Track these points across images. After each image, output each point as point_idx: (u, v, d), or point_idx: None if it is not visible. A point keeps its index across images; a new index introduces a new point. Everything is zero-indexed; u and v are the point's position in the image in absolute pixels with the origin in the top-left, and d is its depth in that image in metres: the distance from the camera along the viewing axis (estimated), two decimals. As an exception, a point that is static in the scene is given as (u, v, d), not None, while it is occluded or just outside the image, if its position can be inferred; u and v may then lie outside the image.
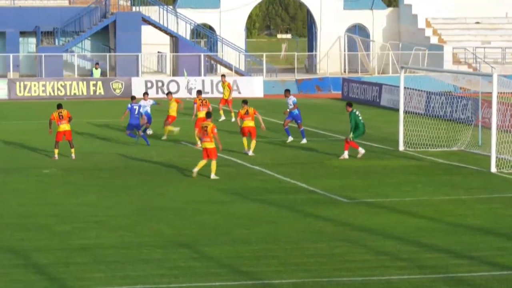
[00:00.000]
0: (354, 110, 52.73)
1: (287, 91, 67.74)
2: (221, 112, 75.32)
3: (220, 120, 73.27)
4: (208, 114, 47.90)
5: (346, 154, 52.16)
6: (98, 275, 28.21)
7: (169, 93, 69.24)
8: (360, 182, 42.50)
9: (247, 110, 49.81)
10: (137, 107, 52.98)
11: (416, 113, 63.99)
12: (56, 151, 49.52)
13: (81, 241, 33.71)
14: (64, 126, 50.03)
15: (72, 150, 52.37)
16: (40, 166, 50.26)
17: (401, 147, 53.62)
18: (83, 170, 48.96)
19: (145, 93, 53.62)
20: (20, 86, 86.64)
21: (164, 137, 58.55)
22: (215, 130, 44.21)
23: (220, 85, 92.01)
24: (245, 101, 52.88)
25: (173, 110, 58.49)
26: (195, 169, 45.18)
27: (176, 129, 60.22)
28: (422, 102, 69.45)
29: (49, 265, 29.44)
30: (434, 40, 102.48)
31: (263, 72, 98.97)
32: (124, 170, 48.23)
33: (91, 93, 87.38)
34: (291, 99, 63.78)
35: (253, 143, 49.19)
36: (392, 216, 37.35)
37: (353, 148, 52.26)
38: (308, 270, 28.51)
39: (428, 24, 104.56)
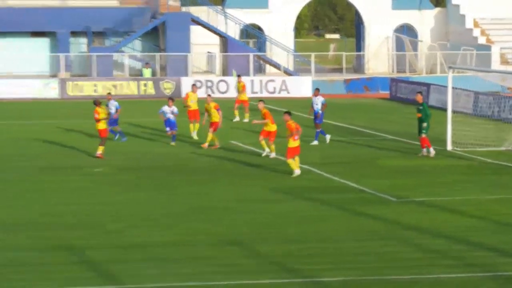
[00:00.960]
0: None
1: (317, 90, 67.36)
2: (236, 112, 74.35)
3: (234, 120, 73.07)
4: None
5: (428, 151, 52.26)
6: (151, 272, 28.47)
7: (209, 95, 68.58)
8: (409, 181, 42.55)
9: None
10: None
11: (464, 113, 64.05)
12: (101, 149, 50.44)
13: (134, 238, 34.04)
14: (103, 124, 50.09)
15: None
16: (91, 165, 50.36)
17: (449, 147, 53.47)
18: (134, 169, 49.22)
19: (170, 99, 52.20)
20: (71, 85, 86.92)
21: (205, 145, 56.95)
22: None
23: (266, 84, 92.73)
24: (262, 100, 52.03)
25: (215, 117, 56.48)
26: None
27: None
28: (470, 102, 69.25)
29: (103, 262, 29.67)
30: (482, 40, 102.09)
31: (311, 72, 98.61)
32: (174, 169, 48.23)
33: (142, 92, 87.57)
34: (320, 99, 63.41)
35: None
36: (441, 215, 37.35)
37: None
38: (357, 268, 28.60)
39: (476, 24, 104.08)
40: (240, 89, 77.81)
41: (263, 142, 47.20)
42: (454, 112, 57.32)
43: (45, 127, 62.05)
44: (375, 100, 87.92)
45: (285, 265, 29.79)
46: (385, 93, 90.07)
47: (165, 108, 52.97)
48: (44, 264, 30.03)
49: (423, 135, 49.86)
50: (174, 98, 62.70)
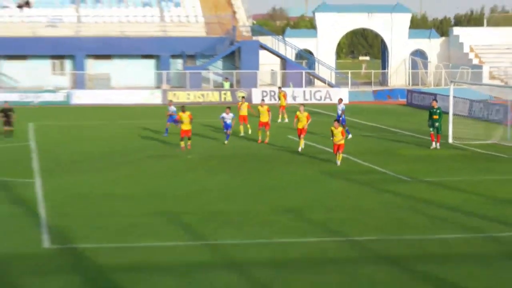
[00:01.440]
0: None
1: (340, 99, 66.91)
2: (283, 116, 72.74)
3: (279, 121, 71.15)
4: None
5: (436, 145, 52.40)
6: (227, 231, 29.80)
7: (262, 100, 69.91)
8: (420, 166, 42.71)
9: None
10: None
11: (461, 116, 64.17)
12: (182, 143, 50.38)
13: (218, 207, 35.05)
14: (186, 126, 49.92)
15: (189, 142, 52.39)
16: (184, 154, 50.66)
17: (451, 140, 53.61)
18: (215, 157, 49.83)
19: (228, 107, 51.67)
20: (171, 94, 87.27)
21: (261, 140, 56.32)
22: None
23: (317, 94, 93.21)
24: (302, 104, 51.25)
25: (264, 117, 55.58)
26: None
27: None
28: (466, 107, 69.43)
29: (193, 224, 31.33)
30: (475, 61, 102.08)
31: (348, 84, 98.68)
32: (245, 158, 48.81)
33: (222, 100, 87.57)
34: (341, 106, 62.00)
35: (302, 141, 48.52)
36: (443, 191, 37.95)
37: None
38: (381, 230, 29.64)
39: (471, 49, 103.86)
40: (281, 97, 76.83)
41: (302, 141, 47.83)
42: (454, 115, 57.36)
43: (151, 125, 62.16)
44: (396, 106, 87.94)
45: (327, 228, 30.48)
46: (403, 100, 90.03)
47: (224, 115, 52.59)
48: (151, 225, 31.28)
49: (438, 133, 49.89)
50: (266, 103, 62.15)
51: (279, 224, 31.22)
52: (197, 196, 37.59)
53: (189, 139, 51.61)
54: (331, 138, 44.16)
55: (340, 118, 57.58)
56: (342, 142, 40.99)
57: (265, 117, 54.89)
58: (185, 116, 50.65)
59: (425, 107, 73.82)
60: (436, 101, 52.93)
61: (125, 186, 40.00)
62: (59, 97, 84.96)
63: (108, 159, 47.69)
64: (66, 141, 55.50)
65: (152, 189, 39.07)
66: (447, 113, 53.10)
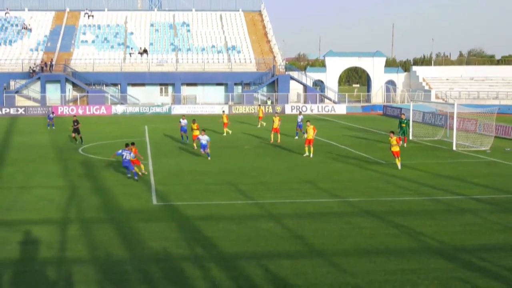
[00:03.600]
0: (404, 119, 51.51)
1: (300, 112, 68.03)
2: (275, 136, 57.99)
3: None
4: None
5: (403, 144, 49.57)
6: (268, 194, 30.25)
7: (276, 112, 68.73)
8: (391, 154, 42.09)
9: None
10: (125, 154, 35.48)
11: (418, 122, 63.80)
12: (194, 144, 45.96)
13: (263, 179, 35.34)
14: (195, 132, 46.44)
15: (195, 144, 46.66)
16: (242, 145, 50.45)
17: (411, 137, 53.34)
18: (262, 148, 49.41)
19: (202, 130, 44.24)
20: (234, 107, 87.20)
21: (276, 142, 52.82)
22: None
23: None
24: (308, 120, 46.90)
25: (275, 124, 52.21)
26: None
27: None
28: (420, 116, 68.82)
29: (245, 191, 30.98)
30: (426, 87, 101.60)
31: (345, 102, 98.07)
32: (278, 149, 48.33)
33: (266, 111, 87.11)
34: (301, 117, 58.37)
35: (311, 149, 44.23)
36: (406, 169, 37.60)
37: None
38: (366, 194, 29.12)
39: (424, 80, 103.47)
40: (275, 120, 70.64)
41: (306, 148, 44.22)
42: (413, 121, 57.12)
43: (220, 128, 61.25)
44: (376, 115, 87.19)
45: (332, 193, 30.21)
46: (380, 112, 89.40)
47: (200, 136, 42.45)
48: (220, 190, 31.61)
49: (403, 136, 49.32)
50: (278, 114, 60.92)
51: (300, 190, 31.29)
52: (250, 171, 37.38)
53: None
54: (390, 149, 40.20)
55: (301, 124, 56.52)
56: (397, 149, 38.43)
57: (276, 124, 52.15)
58: (195, 126, 47.55)
59: (395, 116, 73.62)
60: (404, 114, 52.51)
61: (204, 165, 39.89)
62: (164, 109, 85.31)
63: (193, 149, 47.43)
64: (167, 137, 55.57)
65: (221, 167, 38.96)
66: (408, 119, 52.98)
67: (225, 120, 59.15)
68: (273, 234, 22.49)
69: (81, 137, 51.42)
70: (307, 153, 43.59)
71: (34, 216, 25.63)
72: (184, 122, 51.76)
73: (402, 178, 34.72)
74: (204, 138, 41.68)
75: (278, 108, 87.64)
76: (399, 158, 38.14)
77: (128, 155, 34.43)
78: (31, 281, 17.72)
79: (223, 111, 63.13)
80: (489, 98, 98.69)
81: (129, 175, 35.04)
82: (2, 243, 21.32)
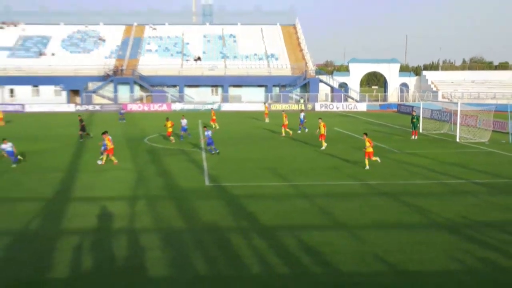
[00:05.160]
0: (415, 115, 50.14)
1: (302, 110, 67.11)
2: (286, 130, 54.64)
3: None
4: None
5: (415, 137, 48.63)
6: (301, 178, 30.25)
7: (283, 111, 65.74)
8: (404, 144, 41.53)
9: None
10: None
11: (427, 118, 62.92)
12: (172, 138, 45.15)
13: (295, 165, 34.99)
14: (169, 130, 45.07)
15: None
16: (277, 137, 50.14)
17: (421, 131, 52.41)
18: (291, 140, 48.58)
19: (204, 126, 43.46)
20: (272, 105, 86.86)
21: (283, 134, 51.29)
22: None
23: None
24: (320, 118, 45.28)
25: (285, 121, 50.86)
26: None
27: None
28: (429, 113, 67.77)
29: (284, 173, 30.93)
30: (434, 89, 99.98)
31: (366, 101, 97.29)
32: (303, 141, 47.46)
33: (299, 108, 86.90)
34: (303, 114, 55.78)
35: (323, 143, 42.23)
36: (416, 157, 37.16)
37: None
38: (383, 178, 29.10)
39: (432, 82, 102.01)
40: (283, 118, 62.66)
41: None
42: (423, 117, 56.36)
43: (262, 123, 60.97)
44: (391, 113, 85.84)
45: (354, 176, 30.14)
46: (395, 109, 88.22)
47: (207, 133, 39.21)
48: (262, 174, 31.69)
49: (414, 130, 48.63)
50: (305, 110, 60.41)
51: (328, 174, 30.98)
52: (286, 159, 36.78)
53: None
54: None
55: (304, 122, 54.72)
56: (371, 149, 33.79)
57: (285, 121, 50.65)
58: (169, 124, 45.37)
59: (408, 113, 72.77)
60: (415, 111, 51.84)
61: (248, 153, 39.89)
62: (215, 107, 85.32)
63: (240, 140, 47.52)
64: (217, 130, 55.46)
65: (262, 155, 38.77)
66: (419, 116, 52.29)
67: (213, 116, 58.65)
68: (305, 210, 22.60)
69: (87, 134, 48.94)
70: (323, 147, 41.86)
71: (109, 194, 26.09)
72: (184, 121, 47.81)
73: (413, 164, 34.21)
74: (209, 134, 39.72)
75: (310, 106, 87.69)
76: (369, 160, 33.88)
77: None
78: (107, 246, 18.21)
79: (212, 108, 59.60)
80: (488, 98, 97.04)
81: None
82: (84, 215, 21.95)
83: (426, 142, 46.99)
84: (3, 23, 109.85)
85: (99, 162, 34.64)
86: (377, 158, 34.02)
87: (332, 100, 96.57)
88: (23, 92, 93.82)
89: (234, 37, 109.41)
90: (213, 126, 57.74)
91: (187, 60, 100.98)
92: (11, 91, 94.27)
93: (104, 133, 35.46)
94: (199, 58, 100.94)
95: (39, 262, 16.66)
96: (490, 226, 20.35)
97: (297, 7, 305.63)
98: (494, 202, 24.21)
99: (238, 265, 16.41)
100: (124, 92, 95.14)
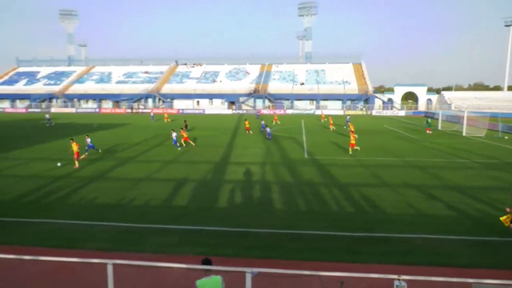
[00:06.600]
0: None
1: (348, 114, 61.26)
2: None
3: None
4: None
5: (429, 133, 44.54)
6: (361, 154, 28.11)
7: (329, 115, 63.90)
8: (423, 135, 38.74)
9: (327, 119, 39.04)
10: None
11: (443, 120, 58.83)
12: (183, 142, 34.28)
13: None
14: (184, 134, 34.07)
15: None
16: (345, 131, 48.19)
17: (439, 128, 48.90)
18: (347, 133, 46.62)
19: (266, 125, 39.28)
20: (345, 112, 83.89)
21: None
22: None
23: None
24: (352, 131, 35.78)
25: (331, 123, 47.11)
26: None
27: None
28: (445, 117, 62.97)
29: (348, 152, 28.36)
30: (449, 102, 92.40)
31: (404, 109, 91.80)
32: (345, 134, 45.22)
33: (365, 113, 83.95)
34: (348, 117, 50.43)
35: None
36: (437, 145, 34.50)
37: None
38: (413, 156, 27.13)
39: (448, 98, 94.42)
40: (329, 120, 53.35)
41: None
42: (441, 120, 52.76)
43: (337, 122, 58.41)
44: (420, 117, 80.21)
45: (395, 154, 28.66)
46: (423, 115, 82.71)
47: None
48: (337, 151, 29.50)
49: (429, 127, 45.37)
50: (351, 115, 57.12)
51: (377, 153, 29.41)
52: (349, 144, 35.44)
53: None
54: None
55: (349, 122, 48.80)
56: (353, 142, 29.02)
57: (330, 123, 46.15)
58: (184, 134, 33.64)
59: (429, 117, 68.09)
60: (428, 117, 48.33)
61: (333, 138, 37.63)
62: (311, 112, 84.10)
63: (321, 130, 45.88)
64: (312, 125, 53.71)
65: (339, 140, 37.73)
66: (432, 118, 48.85)
67: (247, 126, 43.72)
68: (363, 174, 21.74)
69: (188, 130, 43.23)
70: (350, 152, 28.89)
71: (250, 160, 26.34)
72: (88, 140, 27.61)
73: (433, 148, 31.56)
74: (267, 131, 36.11)
75: (362, 112, 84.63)
76: (352, 148, 29.01)
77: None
78: (248, 190, 18.62)
79: (245, 119, 46.25)
80: (485, 108, 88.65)
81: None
82: (236, 172, 22.22)
83: (442, 135, 43.45)
84: (194, 64, 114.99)
85: (179, 148, 30.44)
86: (357, 148, 30.47)
87: (383, 109, 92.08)
88: (204, 103, 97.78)
89: (323, 71, 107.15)
90: (277, 122, 53.58)
91: (295, 85, 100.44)
92: (198, 102, 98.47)
93: (182, 129, 33.54)
94: (302, 83, 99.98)
95: (211, 197, 17.32)
96: (483, 189, 18.93)
97: (364, 51, 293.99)
98: (486, 174, 22.33)
99: (323, 204, 16.35)
100: (259, 103, 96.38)
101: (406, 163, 25.77)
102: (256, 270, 6.62)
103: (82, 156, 25.55)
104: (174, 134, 31.86)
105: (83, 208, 15.03)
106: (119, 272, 6.87)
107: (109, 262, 6.63)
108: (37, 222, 13.41)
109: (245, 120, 45.12)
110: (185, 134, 32.29)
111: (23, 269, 9.26)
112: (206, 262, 6.64)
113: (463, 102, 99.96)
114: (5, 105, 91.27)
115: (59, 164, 23.18)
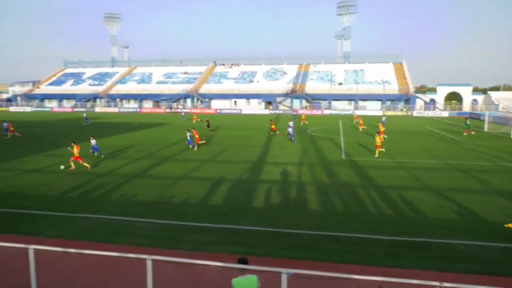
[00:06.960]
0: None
1: (384, 115, 58.98)
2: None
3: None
4: None
5: (469, 133, 42.39)
6: (400, 156, 27.44)
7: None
8: (467, 138, 36.93)
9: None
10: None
11: (490, 121, 56.01)
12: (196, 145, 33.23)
13: (394, 148, 31.77)
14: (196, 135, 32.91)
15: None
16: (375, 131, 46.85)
17: (486, 129, 46.68)
18: (393, 133, 45.41)
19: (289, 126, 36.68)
20: (384, 113, 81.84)
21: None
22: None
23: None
24: (377, 133, 32.23)
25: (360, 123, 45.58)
26: None
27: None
28: (491, 119, 59.89)
29: (388, 154, 27.88)
30: (496, 103, 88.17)
31: (448, 110, 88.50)
32: (393, 134, 43.84)
33: (402, 114, 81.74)
34: (384, 118, 47.98)
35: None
36: (479, 147, 32.86)
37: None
38: (455, 159, 26.19)
39: (496, 99, 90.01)
40: (358, 120, 53.61)
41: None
42: (488, 122, 50.37)
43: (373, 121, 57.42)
44: (464, 118, 77.50)
45: (436, 156, 27.78)
46: (467, 116, 79.25)
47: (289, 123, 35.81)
48: (373, 153, 28.71)
49: (469, 129, 43.20)
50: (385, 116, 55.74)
51: (419, 155, 28.42)
52: (389, 144, 34.57)
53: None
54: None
55: (384, 122, 46.25)
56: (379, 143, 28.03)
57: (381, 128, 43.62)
58: (196, 134, 32.47)
59: (475, 118, 65.18)
60: (467, 118, 46.09)
61: (365, 140, 36.05)
62: (348, 112, 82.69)
63: (359, 131, 44.89)
64: (348, 125, 52.50)
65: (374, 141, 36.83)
66: (483, 120, 46.72)
67: (273, 126, 41.97)
68: (404, 177, 21.15)
69: (211, 130, 43.03)
70: (377, 155, 27.64)
71: (287, 160, 26.21)
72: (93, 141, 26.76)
73: (477, 150, 30.14)
74: (290, 131, 35.40)
75: (385, 114, 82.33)
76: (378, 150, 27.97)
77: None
78: (285, 190, 18.50)
79: (271, 120, 45.47)
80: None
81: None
82: (272, 172, 22.06)
83: (487, 137, 41.32)
84: (232, 64, 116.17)
85: (195, 149, 29.63)
86: (383, 149, 29.48)
87: (424, 110, 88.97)
88: (241, 103, 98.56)
89: (362, 70, 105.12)
90: (305, 123, 53.15)
91: (333, 85, 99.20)
92: (235, 102, 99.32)
93: (194, 129, 32.94)
94: (341, 83, 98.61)
95: (247, 196, 17.35)
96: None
97: (405, 50, 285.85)
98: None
99: (360, 206, 16.08)
100: (297, 103, 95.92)
101: (448, 165, 24.79)
102: (291, 271, 6.57)
103: (85, 165, 22.41)
104: (188, 134, 31.34)
105: (125, 204, 15.34)
106: (158, 268, 7.01)
107: (148, 258, 6.81)
108: (82, 217, 13.79)
109: (270, 120, 46.58)
110: (197, 135, 31.63)
111: (69, 261, 9.55)
112: (242, 261, 6.67)
113: (511, 102, 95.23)
114: (53, 104, 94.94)
115: (62, 167, 21.86)
